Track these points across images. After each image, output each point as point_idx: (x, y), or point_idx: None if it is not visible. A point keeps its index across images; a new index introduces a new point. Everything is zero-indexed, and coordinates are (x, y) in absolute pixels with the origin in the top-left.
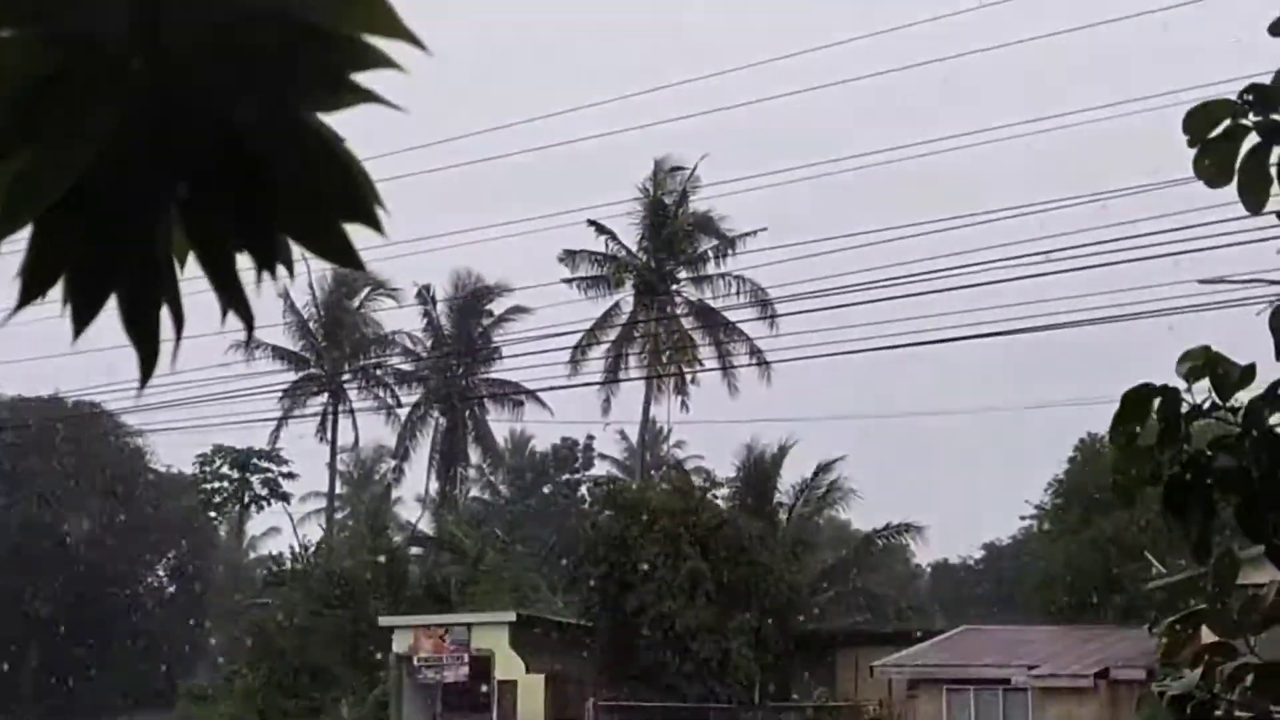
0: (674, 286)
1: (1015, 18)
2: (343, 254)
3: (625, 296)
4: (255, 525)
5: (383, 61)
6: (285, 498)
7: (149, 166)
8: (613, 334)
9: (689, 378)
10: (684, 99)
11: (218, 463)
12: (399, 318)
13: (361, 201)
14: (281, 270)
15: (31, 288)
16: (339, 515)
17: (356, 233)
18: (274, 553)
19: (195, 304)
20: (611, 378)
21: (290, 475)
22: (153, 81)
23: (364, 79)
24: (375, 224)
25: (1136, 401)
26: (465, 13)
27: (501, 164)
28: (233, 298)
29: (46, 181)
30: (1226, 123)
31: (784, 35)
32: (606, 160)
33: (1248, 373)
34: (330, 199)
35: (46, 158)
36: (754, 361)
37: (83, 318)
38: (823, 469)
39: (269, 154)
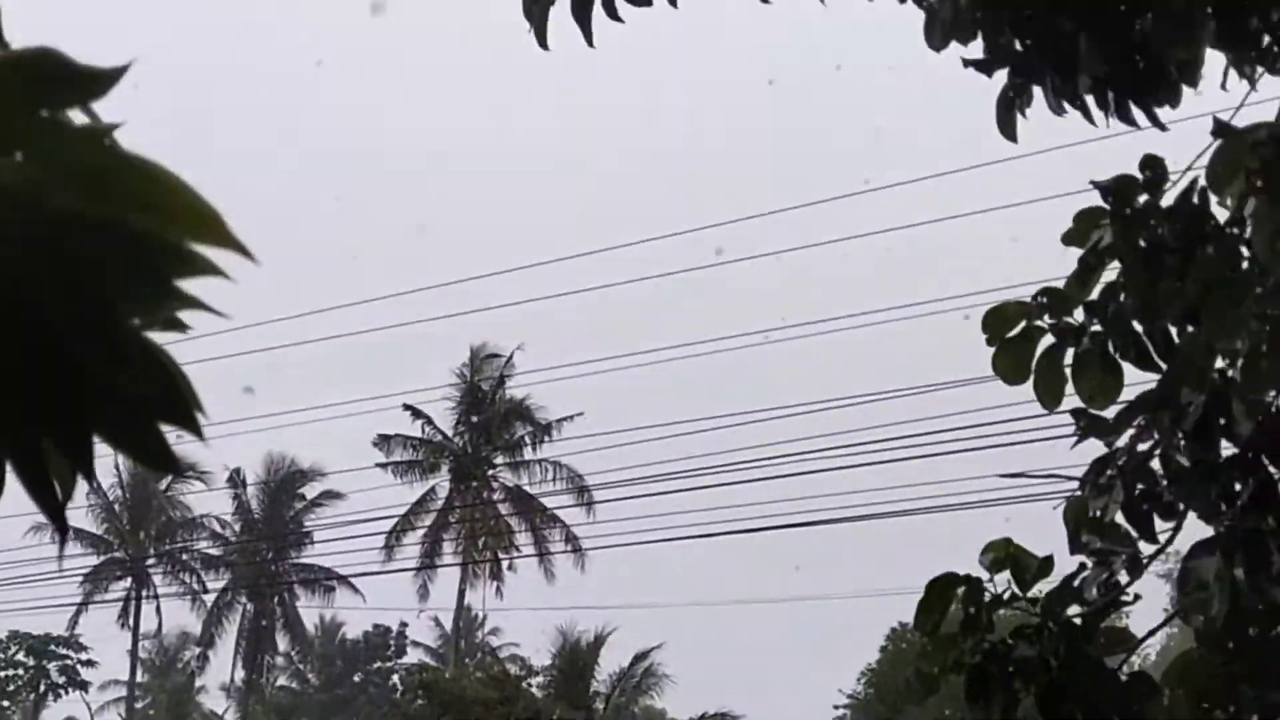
0: (490, 471)
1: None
2: (160, 458)
3: (441, 481)
4: (51, 715)
5: (209, 269)
6: (84, 686)
7: None
8: (428, 519)
9: (505, 564)
10: (502, 285)
11: (12, 649)
12: (208, 501)
13: (181, 405)
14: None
15: None
16: (140, 704)
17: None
18: None
19: None
20: (426, 563)
21: (89, 663)
22: None
23: (189, 285)
24: (195, 428)
25: (941, 590)
26: (286, 193)
27: (316, 348)
28: (46, 505)
29: None
30: (1022, 324)
31: (600, 222)
32: (423, 346)
33: (1046, 564)
34: (149, 403)
35: None
36: (570, 548)
37: None
38: (640, 657)
39: (87, 358)
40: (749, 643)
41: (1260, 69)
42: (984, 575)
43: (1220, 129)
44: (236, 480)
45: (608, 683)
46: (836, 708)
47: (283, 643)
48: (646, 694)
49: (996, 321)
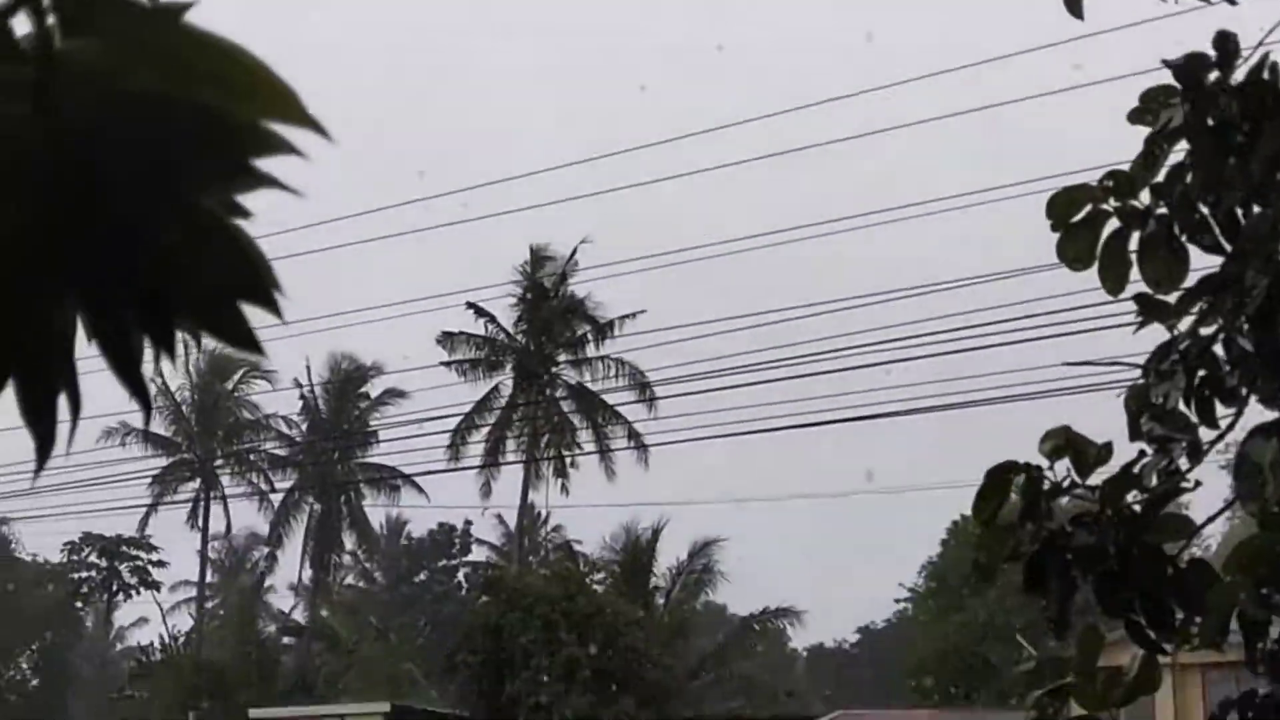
0: (553, 370)
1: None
2: (242, 339)
3: (504, 380)
4: (124, 615)
5: (284, 147)
6: (155, 586)
7: (48, 254)
8: (491, 418)
9: (568, 461)
10: (567, 180)
11: (85, 551)
12: (274, 401)
13: (261, 286)
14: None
15: None
16: (210, 604)
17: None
18: (142, 643)
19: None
20: (490, 462)
21: (160, 563)
22: (50, 170)
23: (265, 164)
24: (274, 308)
25: (999, 479)
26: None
27: (380, 245)
28: (132, 383)
29: None
30: (1088, 208)
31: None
32: (487, 242)
33: (1105, 451)
34: (230, 284)
35: None
36: (632, 444)
37: None
38: (697, 551)
39: (168, 240)
40: (809, 538)
41: None
42: (1043, 464)
43: None
44: (301, 380)
45: (667, 578)
46: (897, 601)
47: (349, 542)
48: (706, 589)
49: (1062, 206)
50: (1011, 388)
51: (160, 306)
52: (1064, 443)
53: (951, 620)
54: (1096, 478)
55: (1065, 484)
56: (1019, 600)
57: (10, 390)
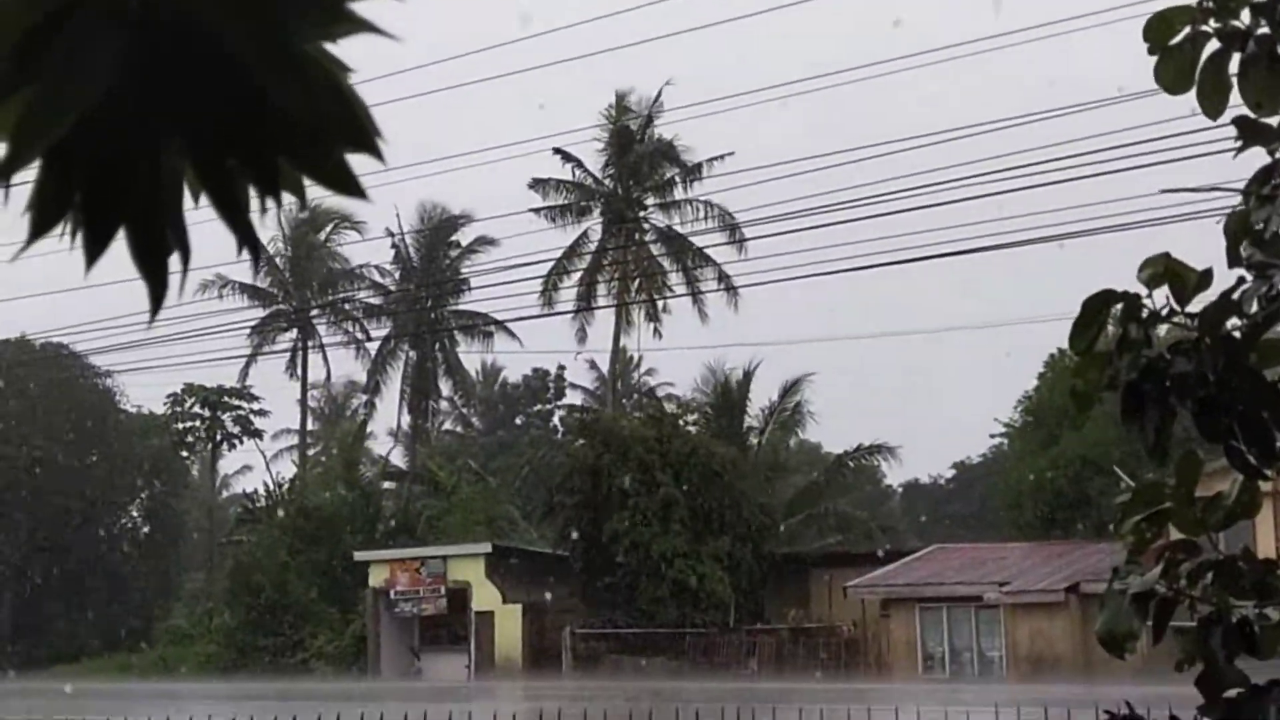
0: (642, 214)
1: None
2: (344, 182)
3: (594, 225)
4: (228, 464)
5: None
6: (257, 435)
7: (152, 100)
8: (582, 263)
9: (659, 305)
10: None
11: (189, 402)
12: (366, 251)
13: (362, 130)
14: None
15: (41, 222)
16: (311, 451)
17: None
18: (247, 490)
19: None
20: (582, 307)
21: (262, 412)
22: (152, 16)
23: (361, 9)
24: (376, 152)
25: (1097, 308)
26: None
27: (462, 92)
28: (240, 229)
29: (50, 119)
30: (1186, 30)
31: None
32: (571, 87)
33: (1205, 277)
34: (331, 128)
35: (49, 96)
36: (722, 287)
37: (93, 251)
38: (789, 390)
39: (269, 84)
40: (903, 375)
41: None
42: (1141, 292)
43: None
44: (393, 229)
45: (760, 418)
46: (993, 436)
47: (445, 388)
48: (799, 427)
49: (1159, 28)
50: (1110, 218)
51: (264, 151)
52: (1162, 270)
53: (1048, 454)
54: (1195, 305)
55: (1164, 312)
56: (1116, 432)
57: (121, 239)
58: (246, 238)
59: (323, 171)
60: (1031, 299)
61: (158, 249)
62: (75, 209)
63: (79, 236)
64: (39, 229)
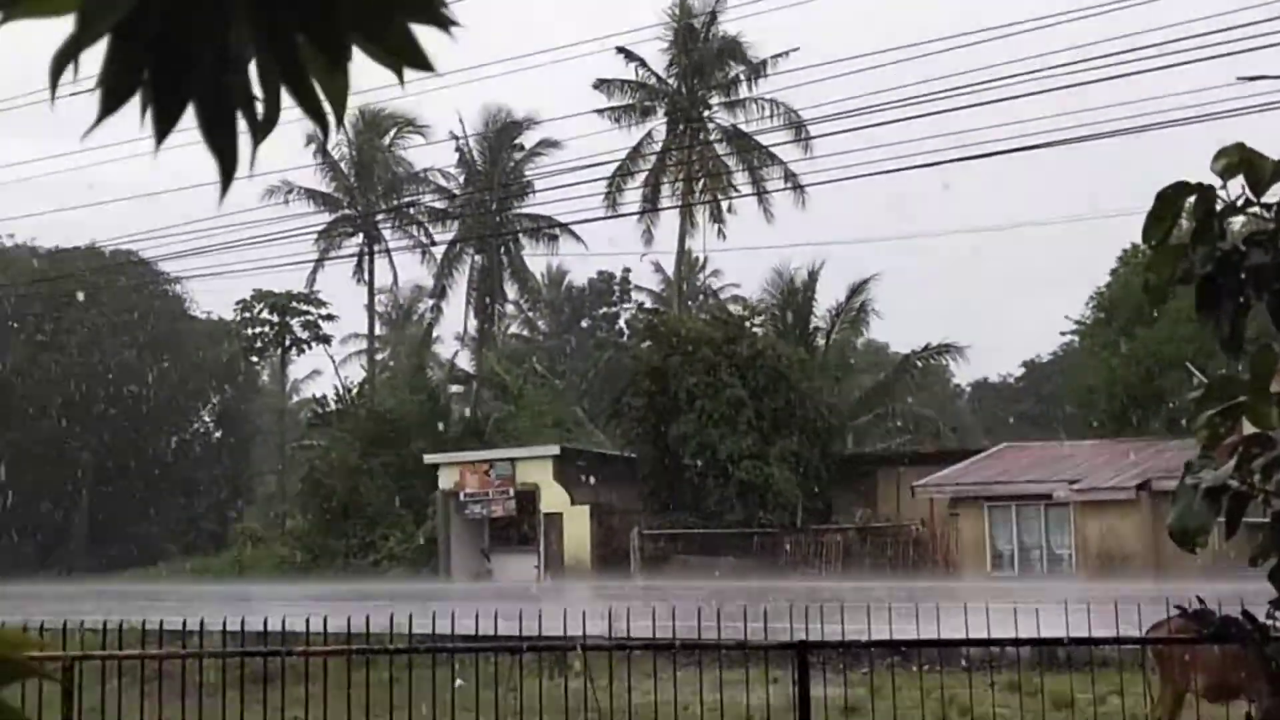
0: (706, 113)
1: None
2: (410, 54)
3: (658, 125)
4: (297, 369)
5: None
6: (326, 340)
7: None
8: (646, 164)
9: (724, 205)
10: None
11: (258, 307)
12: (430, 155)
13: (427, 1)
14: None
15: (111, 99)
16: (379, 356)
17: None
18: (317, 395)
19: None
20: (647, 209)
21: (330, 317)
22: None
23: None
24: (443, 23)
25: (1171, 199)
26: None
27: None
28: (308, 104)
29: None
30: None
31: None
32: None
33: None
34: (398, 1)
35: None
36: (788, 186)
37: (163, 127)
38: (856, 290)
39: None
40: (970, 273)
41: None
42: (1216, 183)
43: None
44: (457, 133)
45: (827, 318)
46: (1064, 334)
47: (511, 292)
48: (865, 326)
49: None
50: (1185, 109)
51: (331, 24)
52: (1237, 160)
53: (1120, 351)
54: (1272, 196)
55: (1239, 203)
56: (1190, 328)
57: (191, 114)
58: (315, 113)
59: (389, 43)
60: (1105, 194)
61: (226, 125)
62: (144, 86)
63: (148, 113)
64: (108, 106)
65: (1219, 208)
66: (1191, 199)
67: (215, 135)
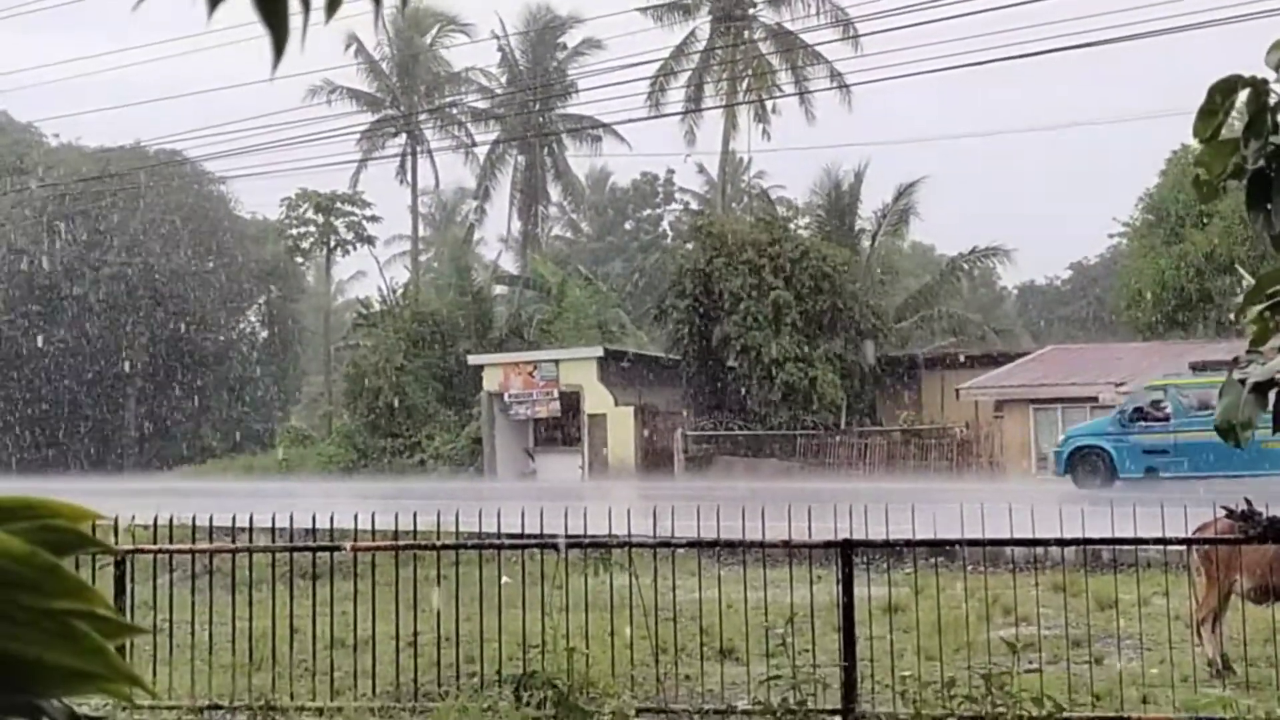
0: (751, 10)
1: None
2: None
3: (701, 24)
4: (342, 269)
5: None
6: (370, 241)
7: None
8: (690, 64)
9: (769, 105)
10: None
11: (302, 207)
12: (472, 54)
13: None
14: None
15: None
16: (423, 257)
17: None
18: (362, 296)
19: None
20: (690, 109)
21: (374, 218)
22: None
23: None
24: None
25: (1223, 93)
26: None
27: None
28: None
29: None
30: None
31: None
32: None
33: None
34: None
35: None
36: (834, 85)
37: None
38: (902, 192)
39: None
40: (1017, 175)
41: None
42: (1269, 76)
43: None
44: (498, 32)
45: (873, 220)
46: (1111, 236)
47: (554, 193)
48: (909, 229)
49: None
50: (1236, 5)
51: None
52: None
53: (1169, 253)
54: None
55: None
56: (1241, 231)
57: None
58: None
59: None
60: (1154, 94)
61: None
62: None
63: None
64: None
65: (1273, 102)
66: (1244, 93)
67: (265, 9)
